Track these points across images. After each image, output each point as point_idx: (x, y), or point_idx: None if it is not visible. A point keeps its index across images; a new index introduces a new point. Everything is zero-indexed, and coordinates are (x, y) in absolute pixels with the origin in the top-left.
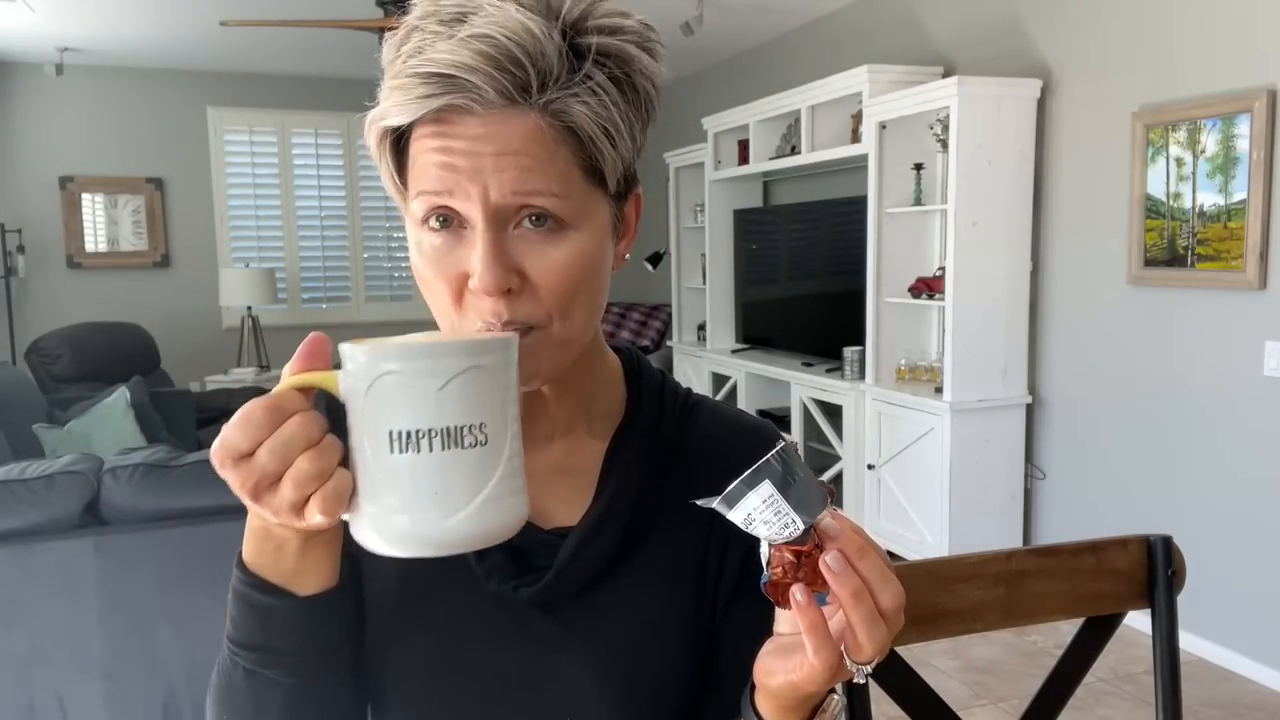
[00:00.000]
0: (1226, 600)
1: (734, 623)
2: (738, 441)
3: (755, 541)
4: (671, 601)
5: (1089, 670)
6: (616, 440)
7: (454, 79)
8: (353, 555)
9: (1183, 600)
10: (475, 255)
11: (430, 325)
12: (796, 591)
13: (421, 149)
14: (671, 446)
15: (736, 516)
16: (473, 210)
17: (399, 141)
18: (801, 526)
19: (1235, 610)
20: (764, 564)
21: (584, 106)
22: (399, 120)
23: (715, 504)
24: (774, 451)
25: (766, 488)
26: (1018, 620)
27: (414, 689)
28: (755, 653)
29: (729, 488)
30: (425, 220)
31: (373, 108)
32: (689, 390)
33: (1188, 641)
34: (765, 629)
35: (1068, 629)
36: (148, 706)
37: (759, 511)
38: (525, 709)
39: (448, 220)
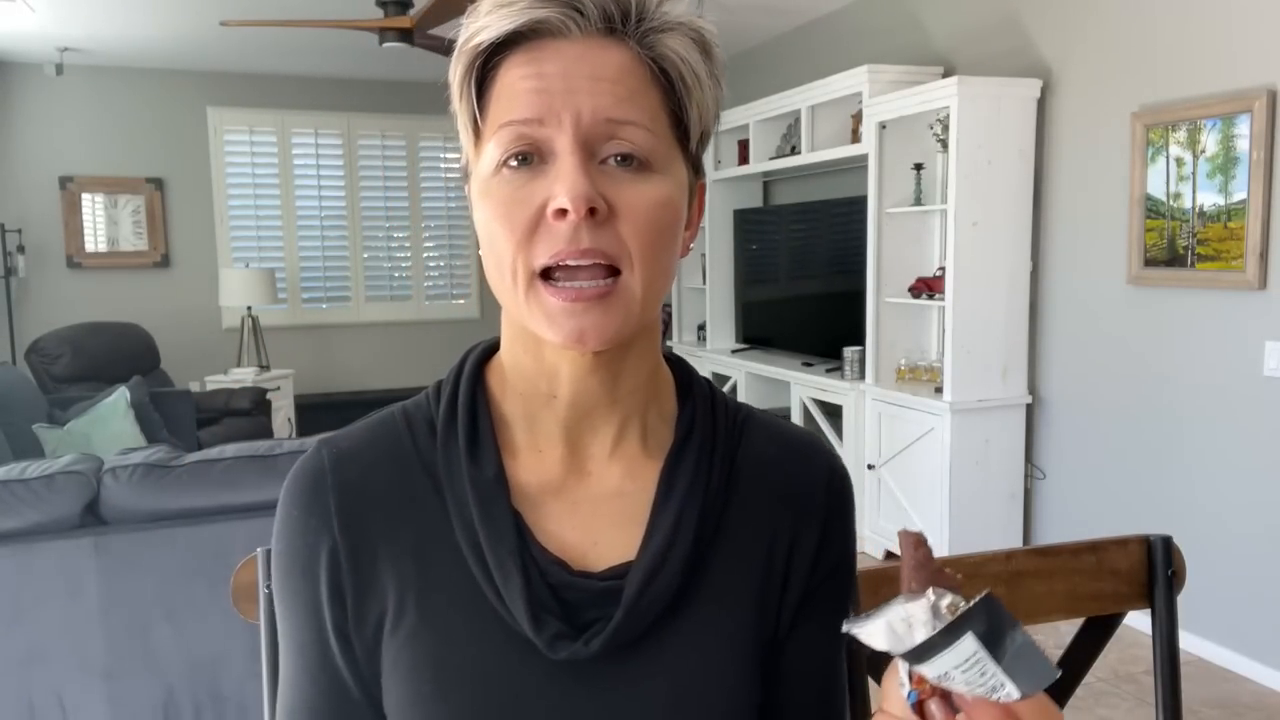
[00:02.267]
0: (1226, 600)
1: (796, 647)
2: (793, 461)
3: (833, 571)
4: (735, 634)
5: (1089, 670)
6: (672, 459)
7: None
8: (366, 673)
9: (1183, 600)
10: (559, 177)
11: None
12: (933, 706)
13: (512, 77)
14: (728, 466)
15: (929, 671)
16: (561, 136)
17: (483, 78)
18: (1017, 695)
19: (1235, 610)
20: (906, 678)
21: (676, 45)
22: (496, 33)
23: (901, 655)
24: (979, 599)
25: (970, 644)
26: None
27: None
28: (816, 679)
29: (912, 642)
30: (504, 160)
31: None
32: (738, 402)
33: (1188, 641)
34: (827, 655)
35: (1068, 629)
36: (148, 706)
37: (960, 670)
38: None
39: (527, 158)
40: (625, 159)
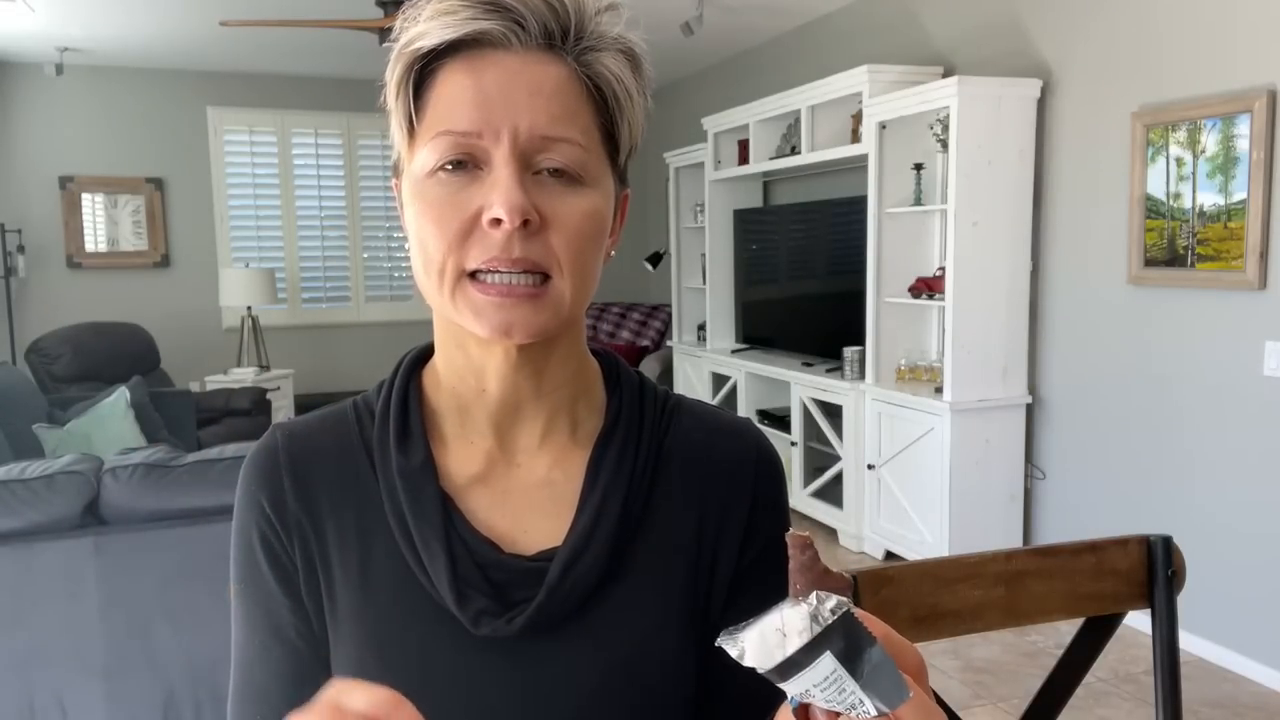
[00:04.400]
0: (1226, 600)
1: (734, 619)
2: (720, 442)
3: (765, 547)
4: (666, 611)
5: (1089, 670)
6: (599, 447)
7: (503, 5)
8: (314, 636)
9: (1183, 600)
10: (495, 187)
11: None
12: (819, 716)
13: (451, 85)
14: (655, 451)
15: (792, 689)
16: (499, 150)
17: (420, 82)
18: (873, 712)
19: (1235, 610)
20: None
21: (611, 64)
22: (437, 40)
23: (765, 671)
24: (836, 617)
25: (828, 663)
26: (1018, 620)
27: None
28: None
29: (781, 656)
30: (439, 165)
31: (397, 43)
32: (667, 391)
33: (1188, 641)
34: None
35: (1068, 629)
36: (148, 706)
37: (820, 688)
38: None
39: (463, 164)
40: (558, 172)
